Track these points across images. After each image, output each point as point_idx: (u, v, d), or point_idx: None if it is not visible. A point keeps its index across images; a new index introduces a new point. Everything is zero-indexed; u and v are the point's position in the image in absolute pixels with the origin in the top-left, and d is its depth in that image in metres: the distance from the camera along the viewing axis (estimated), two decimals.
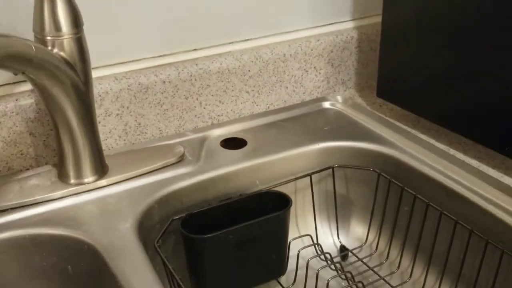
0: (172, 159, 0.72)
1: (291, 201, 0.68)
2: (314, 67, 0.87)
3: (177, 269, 0.62)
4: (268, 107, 0.86)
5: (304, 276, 0.71)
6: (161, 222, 0.67)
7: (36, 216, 0.63)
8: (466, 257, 0.66)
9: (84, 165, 0.66)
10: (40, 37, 0.60)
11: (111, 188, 0.68)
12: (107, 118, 0.74)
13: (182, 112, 0.79)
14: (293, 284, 0.73)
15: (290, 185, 0.75)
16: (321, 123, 0.81)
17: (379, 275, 0.73)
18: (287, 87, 0.86)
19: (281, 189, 0.72)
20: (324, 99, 0.88)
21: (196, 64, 0.78)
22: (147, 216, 0.65)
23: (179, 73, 0.77)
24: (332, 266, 0.73)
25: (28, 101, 0.68)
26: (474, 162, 0.72)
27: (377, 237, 0.78)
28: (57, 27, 0.59)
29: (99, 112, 0.72)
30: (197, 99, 0.79)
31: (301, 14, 0.86)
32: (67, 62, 0.61)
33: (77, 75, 0.62)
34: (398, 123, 0.81)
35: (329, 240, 0.80)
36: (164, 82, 0.76)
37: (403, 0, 0.75)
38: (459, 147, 0.75)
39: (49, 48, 0.60)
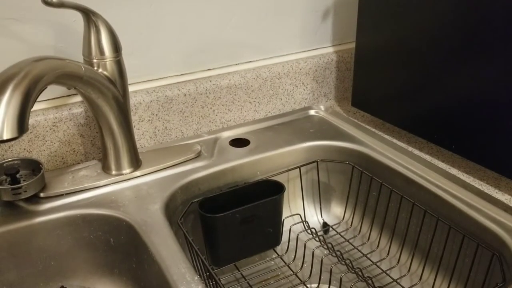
0: (192, 155, 0.72)
1: (285, 187, 0.68)
2: (302, 83, 0.87)
3: (195, 241, 0.62)
4: (267, 114, 0.86)
5: (295, 246, 0.71)
6: (183, 204, 0.67)
7: (85, 200, 0.63)
8: (421, 231, 0.67)
9: (123, 159, 0.66)
10: (88, 60, 0.60)
11: (144, 178, 0.67)
12: (141, 123, 0.74)
13: (199, 118, 0.79)
14: (286, 252, 0.73)
15: (284, 175, 0.75)
16: (307, 127, 0.81)
17: (353, 246, 0.73)
18: (281, 99, 0.86)
19: (276, 178, 0.72)
20: (310, 108, 0.88)
21: (210, 81, 0.78)
22: (172, 199, 0.65)
23: (197, 87, 0.76)
24: (317, 238, 0.73)
25: (79, 110, 0.68)
26: (427, 157, 0.71)
27: (352, 216, 0.78)
28: (101, 52, 0.59)
29: (134, 118, 0.72)
30: (211, 108, 0.79)
31: (292, 41, 0.86)
32: (109, 80, 0.61)
33: (117, 90, 0.62)
34: (368, 127, 0.81)
35: (314, 218, 0.79)
36: (185, 94, 0.76)
37: (372, 31, 0.75)
38: (416, 145, 0.75)
39: (95, 68, 0.60)
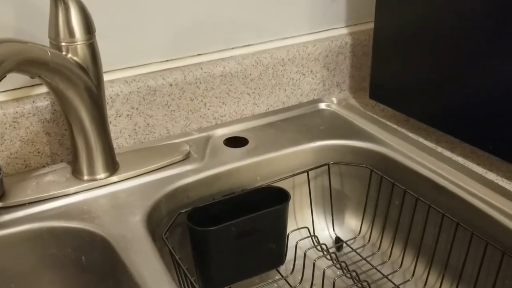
0: (179, 157, 0.71)
1: (290, 195, 0.68)
2: (311, 71, 0.87)
3: (184, 259, 0.62)
4: (268, 108, 0.86)
5: (302, 265, 0.71)
6: (169, 215, 0.66)
7: (52, 210, 0.63)
8: (452, 248, 0.66)
9: (97, 162, 0.66)
10: (55, 43, 0.60)
11: (122, 184, 0.67)
12: (118, 119, 0.73)
13: (188, 113, 0.78)
14: (291, 273, 0.73)
15: (289, 180, 0.75)
16: (317, 123, 0.81)
17: (371, 265, 0.73)
18: (285, 90, 0.86)
19: (280, 184, 0.72)
20: (320, 100, 0.88)
21: (201, 68, 0.77)
22: (156, 210, 0.64)
23: (185, 76, 0.76)
24: (328, 256, 0.73)
25: (44, 103, 0.68)
26: (460, 159, 0.71)
27: (369, 229, 0.77)
28: (71, 33, 0.59)
29: (110, 113, 0.72)
30: (201, 101, 0.79)
31: (298, 21, 0.86)
32: (80, 67, 0.61)
33: (89, 79, 0.62)
34: (389, 123, 0.81)
35: (325, 232, 0.79)
36: (171, 85, 0.75)
37: (394, 8, 0.75)
38: (446, 145, 0.75)
39: (64, 53, 0.60)
